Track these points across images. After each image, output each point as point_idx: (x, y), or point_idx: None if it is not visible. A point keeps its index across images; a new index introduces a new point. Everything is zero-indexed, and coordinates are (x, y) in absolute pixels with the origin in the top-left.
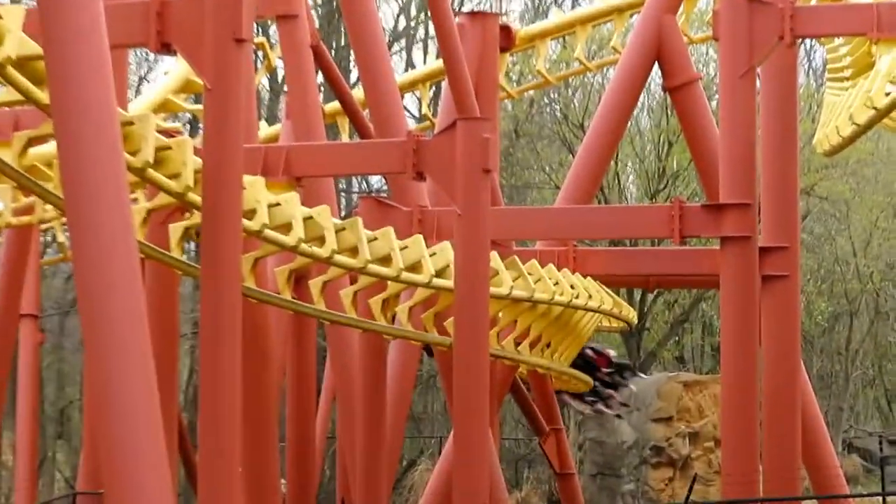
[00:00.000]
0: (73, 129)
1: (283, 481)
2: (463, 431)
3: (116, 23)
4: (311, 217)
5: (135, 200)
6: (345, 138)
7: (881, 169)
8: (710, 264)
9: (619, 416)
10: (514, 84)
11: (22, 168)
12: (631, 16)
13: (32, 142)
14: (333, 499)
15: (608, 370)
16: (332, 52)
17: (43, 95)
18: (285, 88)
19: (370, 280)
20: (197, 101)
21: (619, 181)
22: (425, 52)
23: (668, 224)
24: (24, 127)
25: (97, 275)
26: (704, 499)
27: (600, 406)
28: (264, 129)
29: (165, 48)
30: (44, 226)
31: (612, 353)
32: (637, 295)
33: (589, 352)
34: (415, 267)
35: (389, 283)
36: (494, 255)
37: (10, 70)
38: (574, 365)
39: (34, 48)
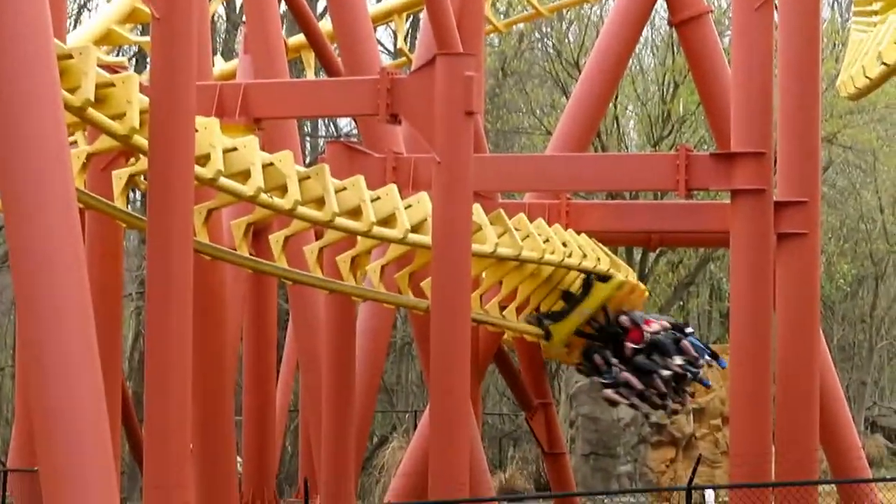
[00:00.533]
0: (5, 62)
1: (239, 459)
2: (441, 405)
3: None
4: (271, 164)
5: (74, 143)
6: (310, 76)
7: None
8: (719, 220)
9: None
10: (502, 16)
11: None
12: None
13: None
14: (295, 478)
15: (636, 346)
16: None
17: None
18: (243, 18)
19: (338, 235)
20: (144, 33)
21: (618, 126)
22: None
23: (673, 175)
24: None
25: (32, 226)
26: (710, 482)
27: (621, 396)
28: (219, 65)
29: None
30: None
31: (665, 322)
32: (637, 255)
33: (625, 318)
34: (388, 221)
35: (359, 238)
36: (477, 209)
37: None
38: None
39: None
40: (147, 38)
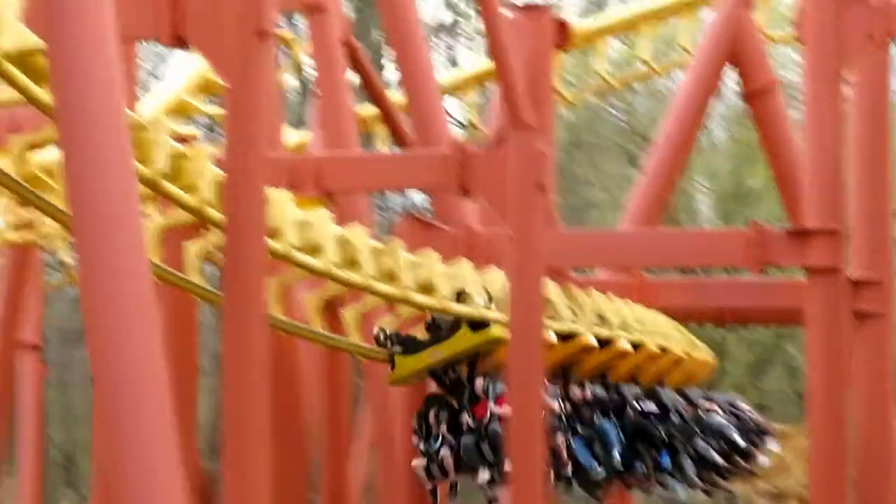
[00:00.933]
0: (78, 133)
1: None
2: (521, 488)
3: (126, 13)
4: (344, 237)
5: (147, 216)
6: (381, 148)
7: None
8: (793, 298)
9: None
10: (572, 88)
11: (20, 177)
12: (702, 11)
13: (32, 147)
14: None
15: (471, 424)
16: (367, 48)
17: (44, 94)
18: (315, 90)
19: (411, 310)
20: (216, 103)
21: (690, 201)
22: (471, 51)
23: (746, 251)
24: (23, 130)
25: (106, 300)
26: None
27: (427, 476)
28: (291, 136)
29: (179, 42)
30: (46, 244)
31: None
32: (711, 332)
33: (480, 384)
34: (460, 296)
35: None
36: (551, 284)
37: (7, 65)
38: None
39: (34, 41)
40: (218, 109)
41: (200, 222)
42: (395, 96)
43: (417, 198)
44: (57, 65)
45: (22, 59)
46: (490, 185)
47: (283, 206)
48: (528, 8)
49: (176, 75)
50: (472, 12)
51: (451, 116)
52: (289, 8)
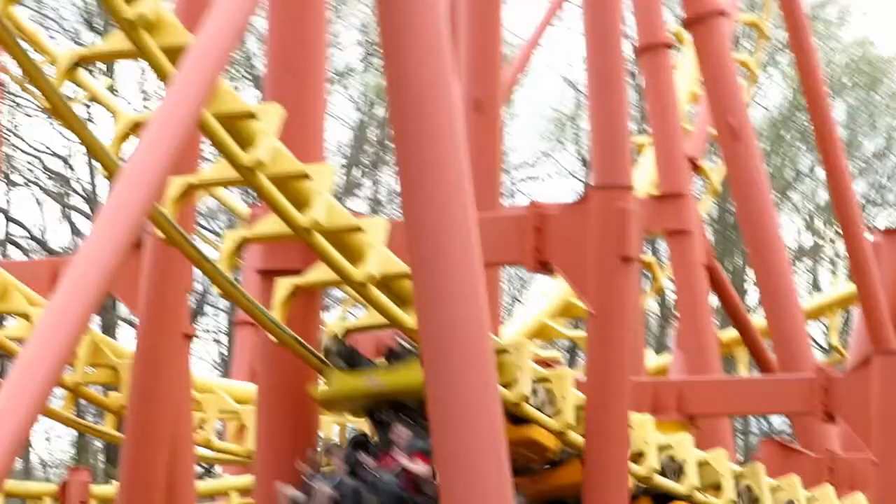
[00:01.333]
0: (443, 354)
1: None
2: None
3: (489, 238)
4: (705, 462)
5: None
6: (742, 372)
7: None
8: None
9: None
10: None
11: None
12: None
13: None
14: None
15: (372, 471)
16: (728, 272)
17: (408, 318)
18: (675, 313)
19: None
20: (577, 327)
21: None
22: (833, 274)
23: None
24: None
25: None
26: None
27: None
28: (652, 360)
29: (543, 267)
30: None
31: None
32: None
33: (399, 431)
34: None
35: None
36: None
37: (373, 290)
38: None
39: (399, 266)
40: (581, 333)
41: (564, 445)
42: (757, 320)
43: (776, 420)
44: (422, 289)
45: (387, 284)
46: (853, 409)
47: (645, 429)
48: (890, 231)
49: (538, 299)
50: (833, 235)
51: (813, 340)
52: (652, 233)
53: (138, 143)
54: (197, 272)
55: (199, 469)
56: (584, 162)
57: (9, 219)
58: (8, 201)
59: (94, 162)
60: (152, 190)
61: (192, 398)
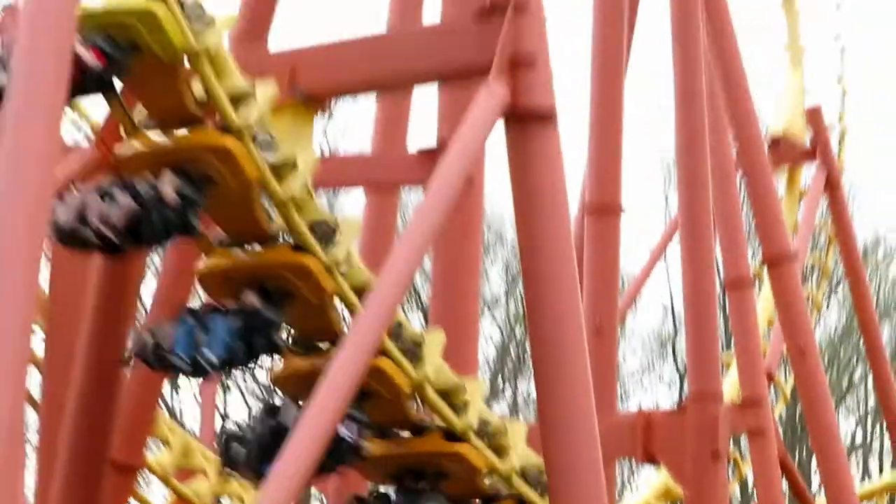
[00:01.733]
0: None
1: None
2: None
3: (608, 437)
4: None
5: None
6: None
7: None
8: None
9: None
10: None
11: None
12: None
13: None
14: None
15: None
16: (796, 463)
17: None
18: (755, 498)
19: None
20: None
21: None
22: (880, 469)
23: None
24: None
25: None
26: None
27: None
28: None
29: (650, 459)
30: None
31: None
32: None
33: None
34: None
35: None
36: None
37: (517, 479)
38: None
39: (538, 461)
40: None
41: None
42: (821, 502)
43: None
44: (554, 481)
45: (524, 474)
46: None
47: None
48: None
49: (643, 485)
50: (879, 433)
51: None
52: (736, 433)
53: None
54: None
55: None
56: (681, 375)
57: None
58: None
59: None
60: None
61: None
